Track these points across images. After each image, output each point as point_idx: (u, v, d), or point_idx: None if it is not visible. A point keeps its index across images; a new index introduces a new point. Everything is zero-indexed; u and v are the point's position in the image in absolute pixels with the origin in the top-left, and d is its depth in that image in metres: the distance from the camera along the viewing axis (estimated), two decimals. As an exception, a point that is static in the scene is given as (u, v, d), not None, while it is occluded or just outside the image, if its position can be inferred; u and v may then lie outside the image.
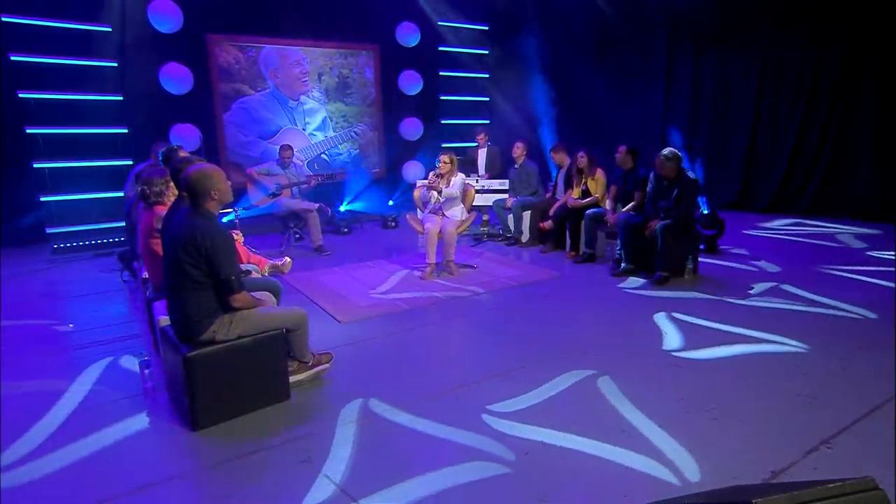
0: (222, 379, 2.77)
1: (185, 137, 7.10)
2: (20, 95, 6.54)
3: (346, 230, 7.81)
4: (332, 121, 9.18)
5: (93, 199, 7.05)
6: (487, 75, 10.49)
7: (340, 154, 9.38)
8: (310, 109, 8.92)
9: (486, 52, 10.34)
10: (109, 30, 7.00)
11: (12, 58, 6.46)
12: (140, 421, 2.84)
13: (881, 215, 7.29)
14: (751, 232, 7.11)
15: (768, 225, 7.55)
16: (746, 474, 2.27)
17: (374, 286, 5.12)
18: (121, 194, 6.26)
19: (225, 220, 5.93)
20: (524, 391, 3.04)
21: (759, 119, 8.47)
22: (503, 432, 2.64)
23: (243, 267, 3.71)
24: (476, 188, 7.17)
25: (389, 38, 9.20)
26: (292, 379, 3.08)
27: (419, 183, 6.43)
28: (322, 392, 3.13)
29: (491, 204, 7.11)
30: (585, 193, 6.13)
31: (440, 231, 5.34)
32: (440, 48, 9.75)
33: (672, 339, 3.74)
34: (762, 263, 5.58)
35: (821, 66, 7.80)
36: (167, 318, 2.92)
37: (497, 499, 2.20)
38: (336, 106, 9.18)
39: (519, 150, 6.84)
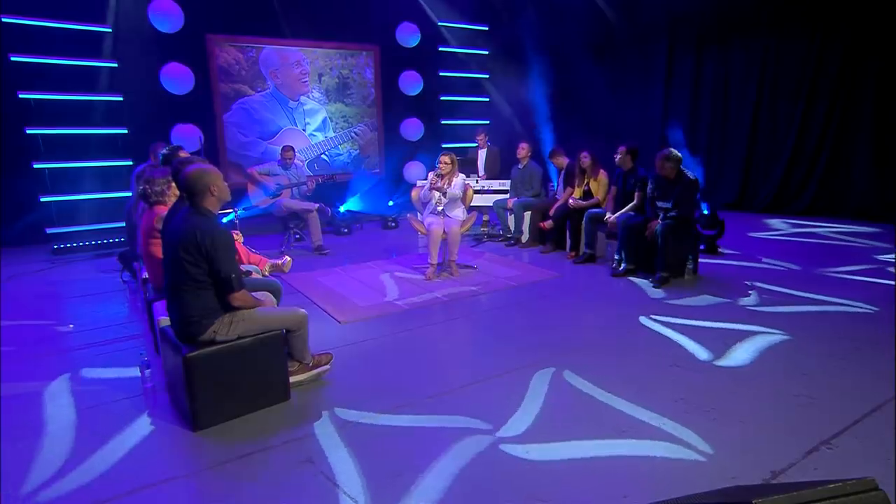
0: (222, 379, 2.77)
1: (185, 138, 7.10)
2: (20, 96, 6.54)
3: (346, 230, 7.81)
4: (332, 121, 9.18)
5: (93, 200, 7.05)
6: (487, 76, 10.50)
7: (340, 155, 9.38)
8: (310, 110, 8.93)
9: (486, 52, 10.35)
10: (110, 30, 7.00)
11: (12, 58, 6.46)
12: (140, 421, 2.84)
13: (881, 215, 7.30)
14: (751, 232, 7.12)
15: (768, 225, 7.56)
16: (746, 475, 2.27)
17: (375, 287, 5.12)
18: (121, 195, 6.26)
19: (225, 220, 5.93)
20: (524, 391, 3.04)
21: (758, 119, 8.48)
22: (502, 435, 2.64)
23: (244, 267, 3.71)
24: (476, 188, 7.19)
25: (389, 38, 9.20)
26: (292, 379, 3.07)
27: (419, 183, 6.43)
28: (322, 393, 3.12)
29: (491, 204, 7.11)
30: (587, 194, 6.13)
31: (444, 231, 5.34)
32: (440, 48, 9.76)
33: (672, 339, 3.74)
34: (762, 263, 5.58)
35: (821, 66, 7.81)
36: (167, 318, 2.92)
37: (498, 497, 2.20)
38: (336, 106, 9.18)
39: (524, 151, 6.83)
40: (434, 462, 2.42)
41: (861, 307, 4.23)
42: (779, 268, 5.43)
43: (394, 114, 9.55)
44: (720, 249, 6.07)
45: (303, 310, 3.11)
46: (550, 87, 10.12)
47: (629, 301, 4.60)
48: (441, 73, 9.83)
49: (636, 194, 5.47)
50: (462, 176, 5.63)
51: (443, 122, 9.99)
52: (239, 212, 6.20)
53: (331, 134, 9.21)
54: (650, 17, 9.24)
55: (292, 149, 6.96)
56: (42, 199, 6.84)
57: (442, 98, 9.93)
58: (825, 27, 7.68)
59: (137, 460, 2.51)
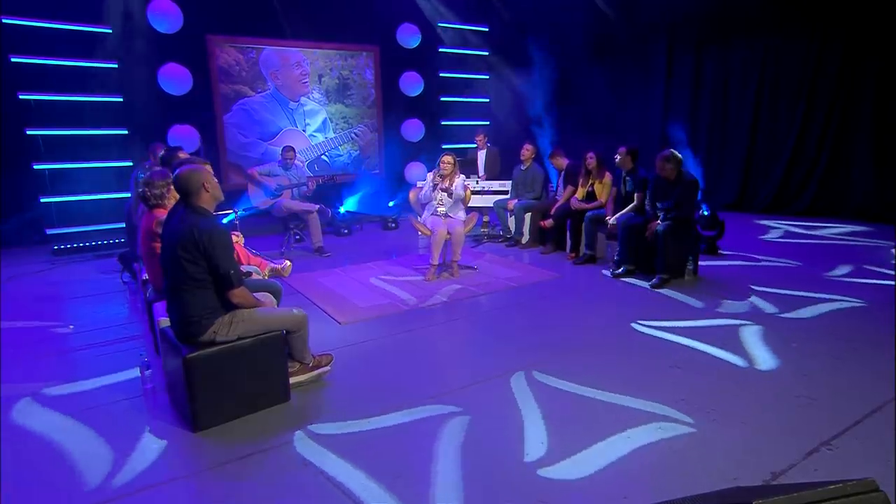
0: (222, 380, 2.77)
1: (182, 139, 7.10)
2: (20, 97, 6.55)
3: (346, 231, 7.81)
4: (332, 122, 9.18)
5: (93, 201, 7.05)
6: (487, 76, 10.50)
7: (340, 155, 9.38)
8: (310, 111, 8.93)
9: (486, 53, 10.35)
10: (110, 31, 7.00)
11: (13, 59, 6.47)
12: (140, 422, 2.84)
13: (881, 215, 7.30)
14: (751, 233, 7.12)
15: (768, 225, 7.56)
16: (747, 476, 2.27)
17: (374, 288, 5.12)
18: (121, 195, 6.26)
19: (225, 220, 5.93)
20: (525, 391, 3.04)
21: (758, 119, 8.48)
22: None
23: (244, 268, 3.71)
24: (476, 189, 7.20)
25: (390, 39, 9.21)
26: (292, 380, 3.07)
27: (419, 184, 6.43)
28: (322, 394, 3.12)
29: (491, 205, 7.11)
30: (591, 196, 6.11)
31: (448, 232, 5.33)
32: (440, 49, 9.76)
33: (673, 340, 3.74)
34: (762, 264, 5.58)
35: (821, 66, 7.82)
36: (167, 319, 2.92)
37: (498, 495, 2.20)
38: (336, 107, 9.19)
39: (528, 153, 6.79)
40: (433, 464, 2.42)
41: (861, 307, 4.23)
42: (779, 268, 5.43)
43: (393, 114, 9.55)
44: (720, 250, 6.06)
45: (303, 311, 3.11)
46: (550, 87, 10.12)
47: (629, 302, 4.60)
48: (441, 74, 9.84)
49: (636, 195, 5.47)
50: (462, 177, 5.63)
51: (442, 122, 9.99)
52: (239, 212, 6.20)
53: (331, 135, 9.21)
54: (650, 17, 9.25)
55: (293, 149, 6.96)
56: (42, 200, 6.84)
57: (442, 99, 9.94)
58: (825, 27, 7.69)
59: (137, 461, 2.51)
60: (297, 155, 7.23)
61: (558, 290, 5.02)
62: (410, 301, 4.70)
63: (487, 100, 10.57)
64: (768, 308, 4.31)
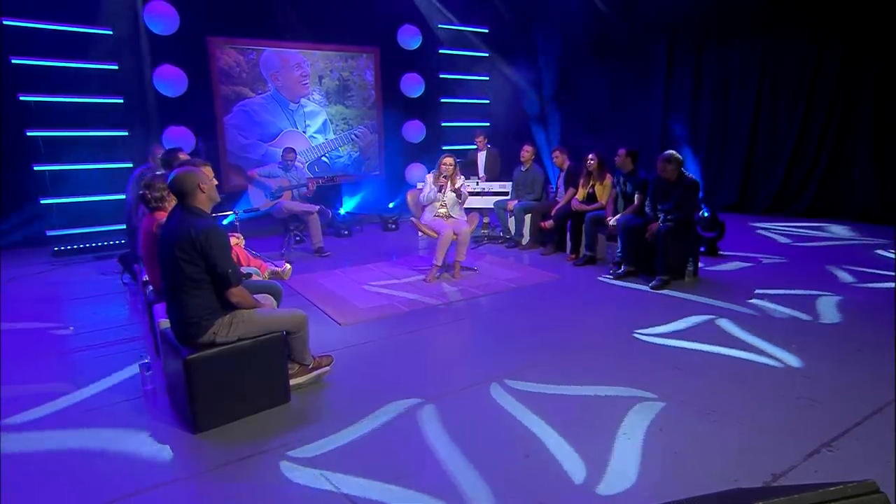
0: (222, 381, 2.77)
1: (177, 140, 7.08)
2: (20, 98, 6.55)
3: (346, 232, 7.81)
4: (332, 123, 9.18)
5: (93, 202, 7.04)
6: (487, 78, 10.51)
7: (341, 157, 9.39)
8: (310, 112, 8.93)
9: (486, 54, 10.36)
10: (110, 32, 7.00)
11: (13, 60, 6.46)
12: (140, 423, 2.84)
13: (881, 216, 7.30)
14: (751, 234, 7.11)
15: (769, 226, 7.55)
16: (747, 477, 2.26)
17: (375, 288, 5.12)
18: (121, 197, 6.25)
19: (225, 221, 5.93)
20: (523, 392, 3.04)
21: (758, 119, 8.48)
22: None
23: (244, 269, 3.71)
24: (476, 190, 7.20)
25: (390, 40, 9.21)
26: (292, 382, 3.07)
27: (419, 185, 6.43)
28: (322, 395, 3.12)
29: (492, 206, 7.11)
30: (591, 197, 6.10)
31: (454, 233, 5.32)
32: (440, 51, 9.76)
33: (673, 341, 3.74)
34: (763, 265, 5.58)
35: (821, 67, 7.82)
36: (167, 320, 2.92)
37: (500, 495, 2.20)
38: (336, 108, 9.19)
39: (528, 154, 6.79)
40: (432, 461, 2.42)
41: (861, 308, 4.22)
42: (779, 269, 5.42)
43: (394, 116, 9.55)
44: (720, 251, 6.06)
45: (303, 311, 3.11)
46: (550, 87, 10.13)
47: (629, 303, 4.60)
48: (441, 76, 9.84)
49: (636, 196, 5.47)
50: (462, 178, 5.63)
51: (443, 124, 9.99)
52: (239, 213, 6.20)
53: (331, 136, 9.21)
54: (650, 18, 9.25)
55: (293, 151, 6.97)
56: (42, 202, 6.84)
57: (442, 100, 9.94)
58: (825, 27, 7.69)
59: (137, 463, 2.51)
60: (298, 156, 7.24)
61: (558, 291, 5.02)
62: (411, 302, 4.70)
63: (487, 101, 10.58)
64: (768, 309, 4.30)
